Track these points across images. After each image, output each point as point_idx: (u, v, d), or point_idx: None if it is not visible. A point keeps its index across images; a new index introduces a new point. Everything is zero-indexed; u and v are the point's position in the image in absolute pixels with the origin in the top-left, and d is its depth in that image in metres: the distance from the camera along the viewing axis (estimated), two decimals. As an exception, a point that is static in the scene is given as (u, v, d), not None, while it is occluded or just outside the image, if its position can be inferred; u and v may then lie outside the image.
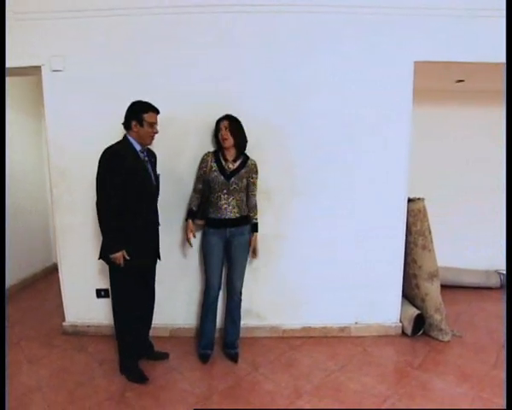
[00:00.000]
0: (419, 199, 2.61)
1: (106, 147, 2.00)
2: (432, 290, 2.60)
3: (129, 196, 1.99)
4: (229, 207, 2.24)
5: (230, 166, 2.25)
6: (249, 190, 2.34)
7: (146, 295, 2.26)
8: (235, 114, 2.27)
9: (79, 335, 2.66)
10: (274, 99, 2.46)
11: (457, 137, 3.58)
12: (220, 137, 2.23)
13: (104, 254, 2.05)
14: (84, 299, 2.66)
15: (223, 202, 2.23)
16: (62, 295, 2.67)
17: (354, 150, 2.52)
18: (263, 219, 2.50)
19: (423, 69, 2.62)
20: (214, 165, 2.25)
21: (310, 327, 2.67)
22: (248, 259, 2.42)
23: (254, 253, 2.40)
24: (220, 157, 2.27)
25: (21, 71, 2.47)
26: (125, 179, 1.96)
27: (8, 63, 2.37)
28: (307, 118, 2.49)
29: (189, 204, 2.39)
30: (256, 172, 2.34)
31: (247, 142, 2.31)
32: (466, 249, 3.72)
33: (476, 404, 1.90)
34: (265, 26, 2.39)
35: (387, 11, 2.37)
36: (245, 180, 2.28)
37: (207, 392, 2.01)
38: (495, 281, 3.56)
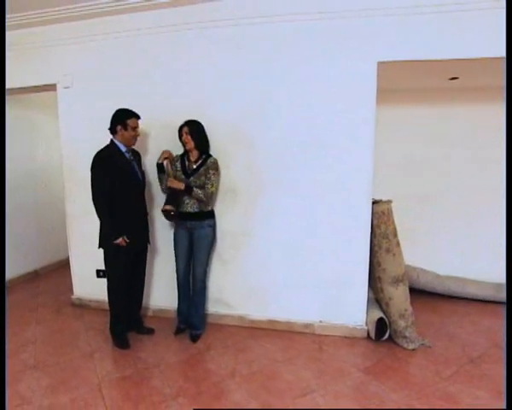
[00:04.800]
0: (384, 201, 2.55)
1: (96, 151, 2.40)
2: (396, 295, 2.52)
3: (119, 190, 2.36)
4: (190, 203, 2.50)
5: (193, 166, 2.52)
6: (205, 183, 2.49)
7: (136, 276, 2.63)
8: (206, 120, 2.53)
9: (83, 307, 3.18)
10: (241, 105, 2.65)
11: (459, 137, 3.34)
12: (182, 141, 2.52)
13: (103, 243, 2.45)
14: (88, 277, 3.16)
15: (185, 197, 2.50)
16: (71, 273, 3.22)
17: (319, 152, 2.58)
18: (230, 216, 2.74)
19: (408, 68, 2.58)
20: (179, 165, 2.55)
21: (275, 320, 2.79)
22: (214, 250, 2.66)
23: None
24: (185, 159, 2.56)
25: (43, 88, 3.05)
26: (114, 177, 2.34)
27: (32, 82, 3.00)
28: (273, 122, 2.62)
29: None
30: (214, 168, 2.51)
31: (208, 142, 2.56)
32: (476, 259, 3.44)
33: (402, 410, 1.87)
34: (230, 38, 2.60)
35: (347, 14, 2.39)
36: (203, 177, 2.49)
37: (157, 362, 2.30)
38: (505, 295, 3.21)
